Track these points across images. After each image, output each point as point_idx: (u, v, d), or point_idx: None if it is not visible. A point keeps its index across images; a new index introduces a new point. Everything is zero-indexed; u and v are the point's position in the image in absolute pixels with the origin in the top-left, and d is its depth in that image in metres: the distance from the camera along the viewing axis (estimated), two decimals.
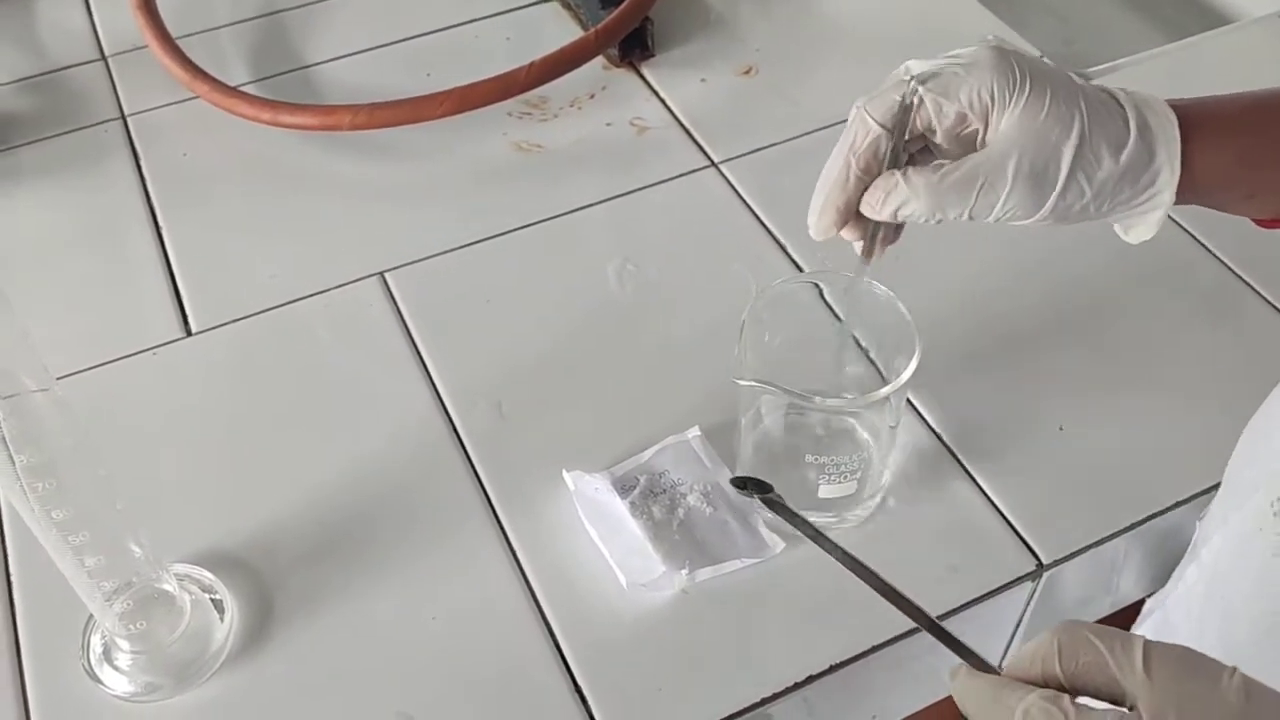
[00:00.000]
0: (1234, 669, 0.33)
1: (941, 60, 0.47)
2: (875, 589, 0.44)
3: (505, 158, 0.80)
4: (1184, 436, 0.62)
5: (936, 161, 0.47)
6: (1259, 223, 0.52)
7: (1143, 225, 0.49)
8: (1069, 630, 0.35)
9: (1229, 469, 0.55)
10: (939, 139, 0.47)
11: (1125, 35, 1.06)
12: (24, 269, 0.74)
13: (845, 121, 0.80)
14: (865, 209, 0.48)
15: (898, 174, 0.47)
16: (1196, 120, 0.47)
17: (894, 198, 0.47)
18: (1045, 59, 0.84)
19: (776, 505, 0.52)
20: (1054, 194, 0.46)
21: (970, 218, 0.47)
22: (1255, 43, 0.89)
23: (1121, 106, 0.46)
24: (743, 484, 0.54)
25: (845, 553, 0.46)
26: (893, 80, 0.47)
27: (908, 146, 0.48)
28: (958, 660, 0.38)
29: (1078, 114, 0.45)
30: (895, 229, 0.50)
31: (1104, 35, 1.07)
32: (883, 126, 0.47)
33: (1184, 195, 0.47)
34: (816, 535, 0.48)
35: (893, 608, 0.55)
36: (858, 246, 0.51)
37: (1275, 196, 0.49)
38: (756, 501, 0.57)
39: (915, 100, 0.46)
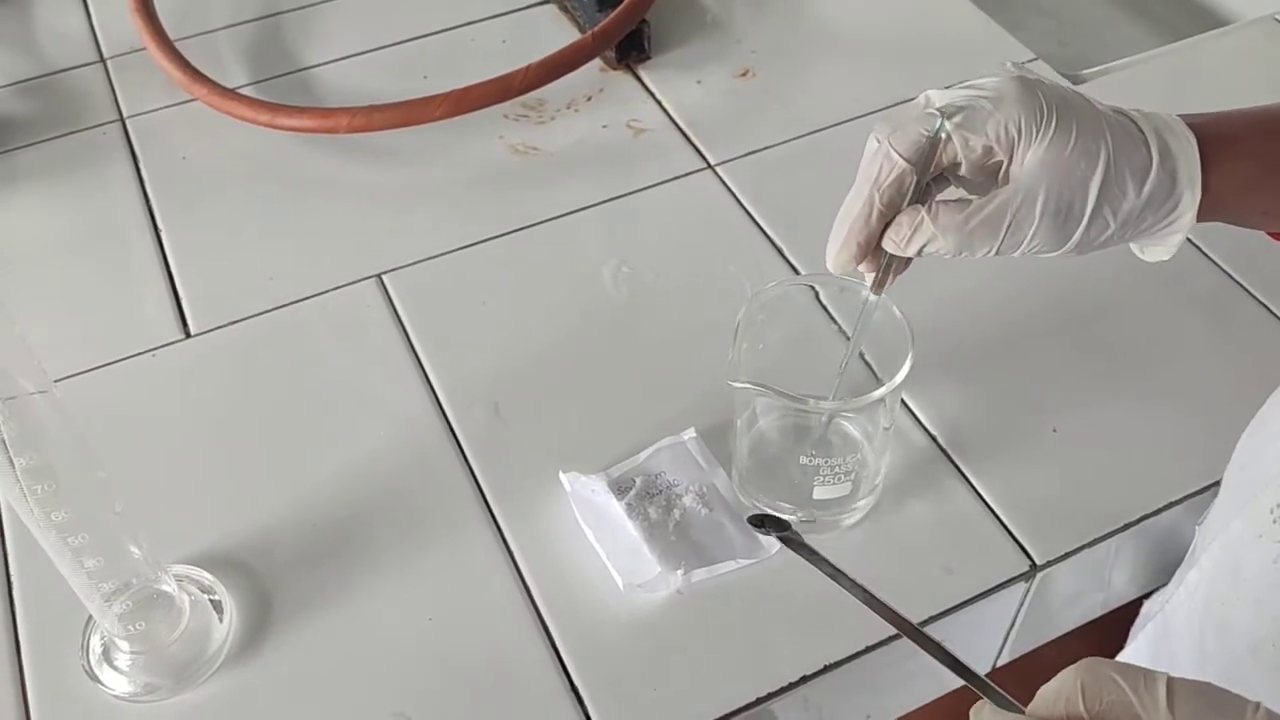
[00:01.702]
0: (1257, 704, 0.33)
1: (964, 91, 0.46)
2: (897, 626, 0.44)
3: (502, 160, 0.81)
4: (1177, 438, 0.63)
5: (960, 198, 0.46)
6: (1274, 236, 0.52)
7: (1161, 247, 0.48)
8: (1092, 669, 0.34)
9: (1228, 474, 0.55)
10: (964, 171, 0.46)
11: (1121, 37, 1.07)
12: (23, 271, 0.75)
13: (841, 123, 0.81)
14: (889, 245, 0.47)
15: (923, 212, 0.46)
16: (1213, 139, 0.46)
17: (920, 236, 0.46)
18: (1040, 58, 0.85)
19: (795, 544, 0.52)
20: (1080, 229, 0.45)
21: (998, 253, 0.46)
22: (1250, 45, 0.89)
23: (1142, 132, 0.46)
24: (760, 522, 0.53)
25: (866, 591, 0.46)
26: (916, 112, 0.46)
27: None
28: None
29: (1103, 146, 0.45)
30: (906, 260, 0.50)
31: (1099, 37, 1.07)
32: (908, 162, 0.45)
33: (1201, 214, 0.47)
34: (836, 573, 0.48)
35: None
36: (869, 278, 0.50)
37: None
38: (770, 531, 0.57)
39: (944, 136, 0.45)
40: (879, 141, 0.47)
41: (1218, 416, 0.62)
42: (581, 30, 0.89)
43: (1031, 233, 0.45)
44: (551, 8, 0.93)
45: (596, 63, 0.87)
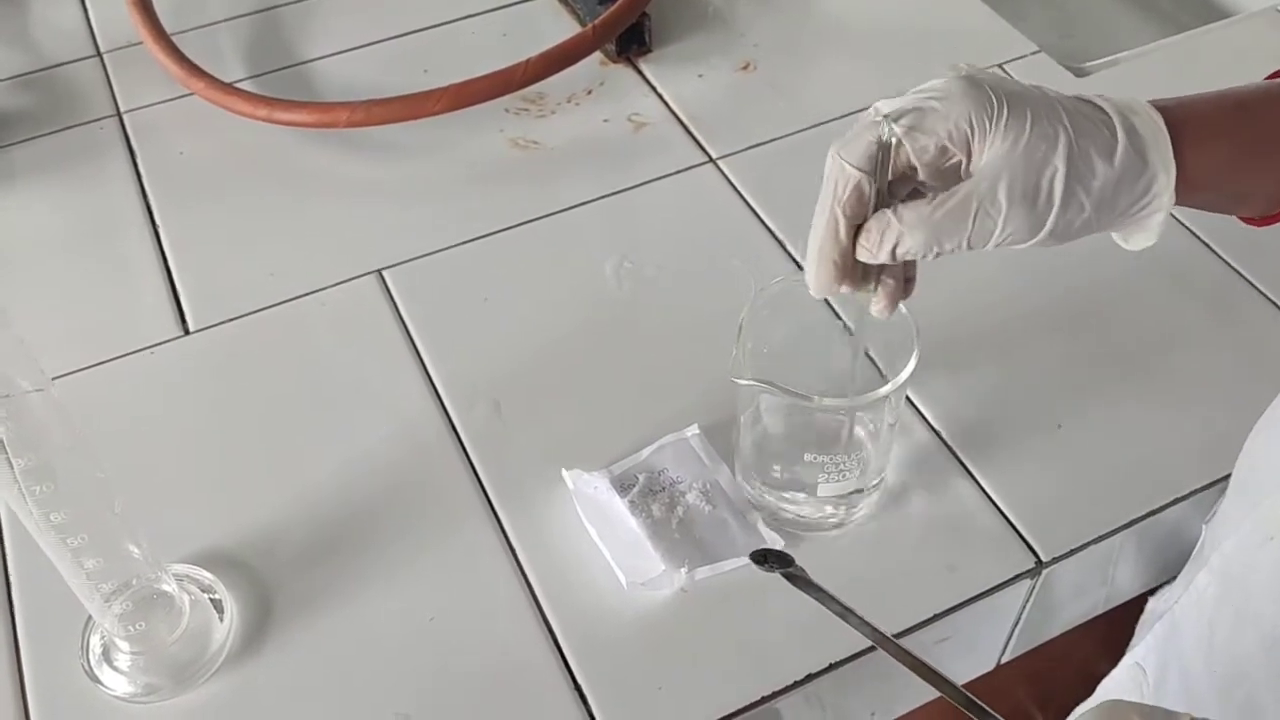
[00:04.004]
0: None
1: (912, 96, 0.46)
2: (907, 665, 0.44)
3: (502, 154, 0.80)
4: (1183, 434, 0.62)
5: (930, 195, 0.46)
6: (1247, 221, 0.51)
7: (1143, 233, 0.48)
8: (1115, 713, 0.34)
9: (1236, 472, 0.54)
10: (922, 175, 0.46)
11: (1123, 29, 1.06)
12: (19, 268, 0.74)
13: (844, 116, 0.80)
14: (862, 254, 0.47)
15: (888, 212, 0.45)
16: (1183, 121, 0.46)
17: (889, 236, 0.45)
18: (1042, 50, 0.85)
19: (800, 580, 0.51)
20: (1054, 212, 0.45)
21: (969, 247, 0.45)
22: (1253, 37, 0.88)
23: (1106, 114, 0.45)
24: (763, 558, 0.53)
25: (874, 629, 0.46)
26: (865, 122, 0.46)
27: (894, 189, 0.46)
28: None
29: (1062, 129, 0.44)
30: (905, 280, 0.49)
31: (1102, 29, 1.06)
32: (861, 170, 0.45)
33: (1177, 197, 0.46)
34: (845, 612, 0.47)
35: (892, 609, 0.55)
36: (874, 301, 0.49)
37: (1264, 195, 0.49)
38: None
39: (893, 139, 0.45)
40: (833, 157, 0.46)
41: (1224, 412, 0.62)
42: (582, 23, 0.89)
43: (1001, 221, 0.45)
44: (551, 0, 0.93)
45: (597, 56, 0.86)
